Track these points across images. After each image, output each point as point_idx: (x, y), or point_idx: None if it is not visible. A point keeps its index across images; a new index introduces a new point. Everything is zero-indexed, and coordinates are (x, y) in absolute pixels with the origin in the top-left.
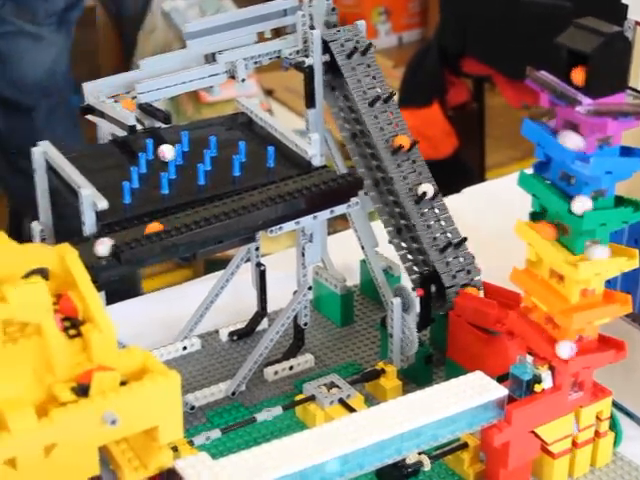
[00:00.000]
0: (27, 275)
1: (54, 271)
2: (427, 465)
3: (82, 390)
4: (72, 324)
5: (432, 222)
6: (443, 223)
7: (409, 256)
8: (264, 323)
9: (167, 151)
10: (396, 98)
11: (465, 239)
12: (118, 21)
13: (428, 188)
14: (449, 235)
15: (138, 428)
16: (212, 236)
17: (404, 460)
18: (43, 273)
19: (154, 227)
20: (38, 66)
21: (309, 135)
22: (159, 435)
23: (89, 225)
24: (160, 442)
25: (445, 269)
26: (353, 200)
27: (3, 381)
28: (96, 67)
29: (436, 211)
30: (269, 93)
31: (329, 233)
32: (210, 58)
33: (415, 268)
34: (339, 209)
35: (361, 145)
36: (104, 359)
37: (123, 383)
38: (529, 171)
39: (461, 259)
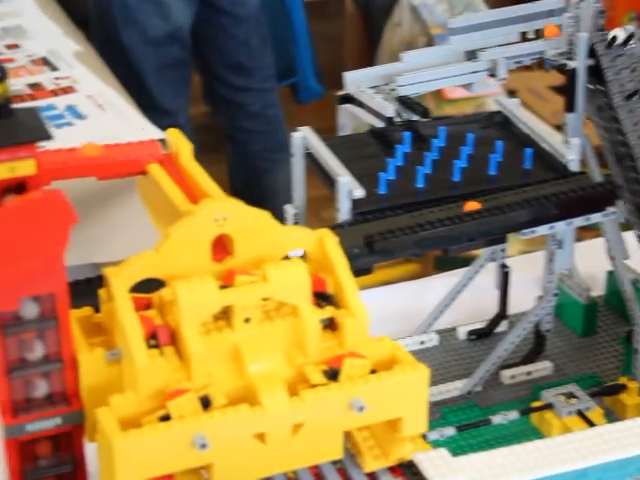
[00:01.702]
0: (288, 257)
1: (310, 254)
2: None
3: (332, 374)
4: (323, 300)
5: None
6: None
7: None
8: (503, 325)
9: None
10: None
11: None
12: (366, 13)
13: None
14: None
15: (383, 417)
16: (464, 233)
17: None
18: (302, 256)
19: (472, 205)
20: None
21: (568, 139)
22: (403, 427)
23: (344, 212)
24: (403, 434)
25: None
26: (610, 209)
27: (258, 358)
28: (340, 57)
29: None
30: (511, 93)
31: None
32: (471, 55)
33: None
34: (595, 217)
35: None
36: (355, 346)
37: (372, 371)
38: None
39: None
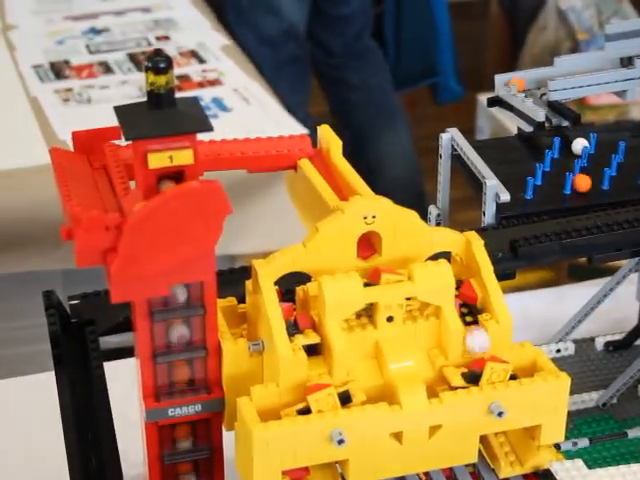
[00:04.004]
0: (434, 257)
1: (455, 256)
2: None
3: (473, 377)
4: (469, 311)
5: None
6: None
7: None
8: None
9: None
10: None
11: None
12: (511, 15)
13: None
14: None
15: (521, 424)
16: (612, 243)
17: None
18: (447, 257)
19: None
20: None
21: None
22: (541, 435)
23: (489, 216)
24: (540, 442)
25: None
26: None
27: (399, 357)
28: (481, 59)
29: None
30: None
31: None
32: (626, 62)
33: None
34: None
35: None
36: (497, 350)
37: (512, 377)
38: None
39: None
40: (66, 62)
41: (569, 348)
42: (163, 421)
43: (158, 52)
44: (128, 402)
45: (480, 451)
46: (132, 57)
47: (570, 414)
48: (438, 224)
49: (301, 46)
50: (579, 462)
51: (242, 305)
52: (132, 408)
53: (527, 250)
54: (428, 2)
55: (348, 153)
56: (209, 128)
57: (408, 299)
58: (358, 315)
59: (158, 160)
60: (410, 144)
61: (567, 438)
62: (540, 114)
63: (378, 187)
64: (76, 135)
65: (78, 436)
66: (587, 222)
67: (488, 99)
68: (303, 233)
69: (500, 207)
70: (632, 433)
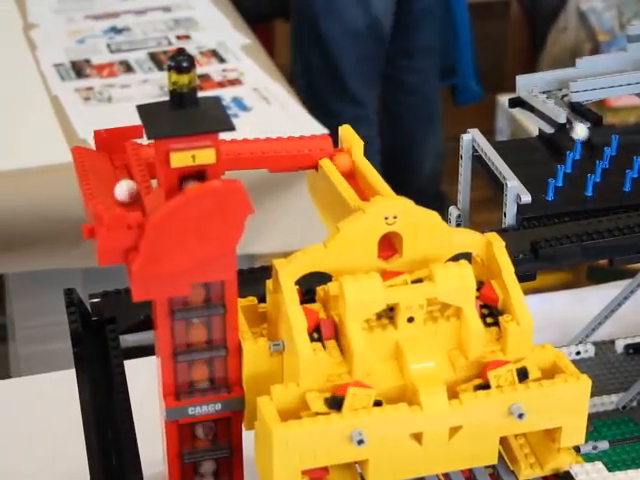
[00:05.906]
0: (454, 258)
1: (476, 257)
2: None
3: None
4: (490, 312)
5: None
6: None
7: None
8: None
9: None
10: None
11: None
12: (531, 16)
13: None
14: None
15: (542, 426)
16: (634, 245)
17: None
18: (467, 258)
19: None
20: None
21: None
22: (561, 437)
23: (510, 217)
24: (561, 444)
25: None
26: None
27: (419, 358)
28: (501, 59)
29: None
30: None
31: None
32: None
33: None
34: None
35: None
36: (517, 352)
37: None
38: None
39: None
40: (87, 61)
41: (589, 350)
42: (183, 420)
43: (181, 51)
44: (148, 400)
45: (500, 453)
46: (153, 56)
47: (590, 416)
48: (458, 225)
49: (382, 45)
50: (599, 465)
51: (262, 305)
52: (152, 406)
53: (548, 252)
54: (448, 2)
55: (392, 151)
56: (231, 127)
57: (429, 300)
58: (378, 315)
59: (180, 159)
60: (442, 145)
61: (587, 441)
62: (562, 116)
63: (412, 186)
64: (98, 134)
65: (98, 434)
66: (608, 224)
67: (509, 100)
68: (324, 233)
69: (521, 208)
70: None
